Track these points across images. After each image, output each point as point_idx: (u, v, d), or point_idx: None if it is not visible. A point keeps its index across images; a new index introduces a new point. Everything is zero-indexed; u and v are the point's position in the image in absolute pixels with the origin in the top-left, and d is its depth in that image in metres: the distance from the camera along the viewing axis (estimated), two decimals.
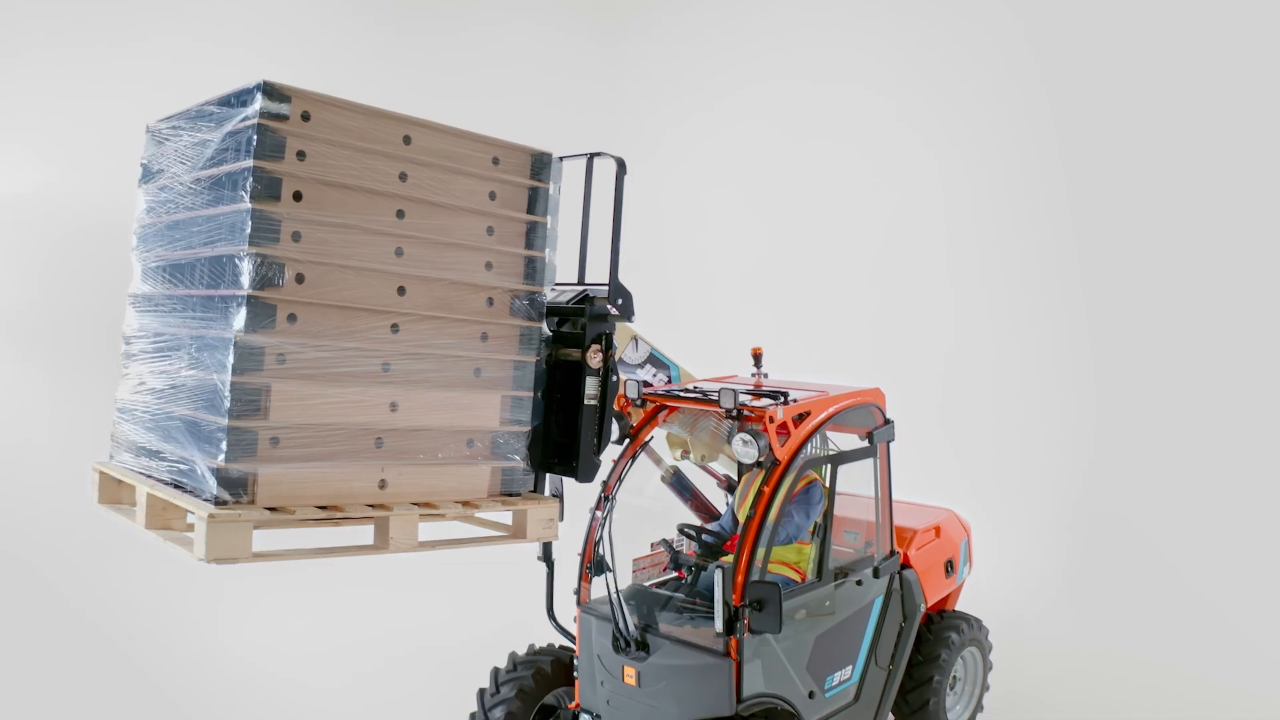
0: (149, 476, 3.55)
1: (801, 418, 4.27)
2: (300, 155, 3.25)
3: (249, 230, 3.13)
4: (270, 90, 3.16)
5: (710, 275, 11.03)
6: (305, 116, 3.25)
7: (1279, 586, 7.19)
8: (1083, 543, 8.23)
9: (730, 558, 4.18)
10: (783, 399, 4.24)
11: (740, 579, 3.89)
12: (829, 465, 4.41)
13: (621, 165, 4.09)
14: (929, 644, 5.07)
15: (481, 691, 4.50)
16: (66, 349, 9.18)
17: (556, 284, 4.18)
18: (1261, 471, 7.68)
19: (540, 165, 3.95)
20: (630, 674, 4.10)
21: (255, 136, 3.13)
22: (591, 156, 4.21)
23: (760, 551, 3.98)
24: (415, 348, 3.60)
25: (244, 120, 3.20)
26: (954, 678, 5.29)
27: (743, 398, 4.22)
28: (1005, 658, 6.08)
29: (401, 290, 3.56)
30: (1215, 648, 6.74)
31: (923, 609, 5.03)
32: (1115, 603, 7.55)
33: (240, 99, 3.25)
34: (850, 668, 4.57)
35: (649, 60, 12.00)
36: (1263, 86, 7.88)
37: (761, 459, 4.02)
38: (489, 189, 3.81)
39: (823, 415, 4.39)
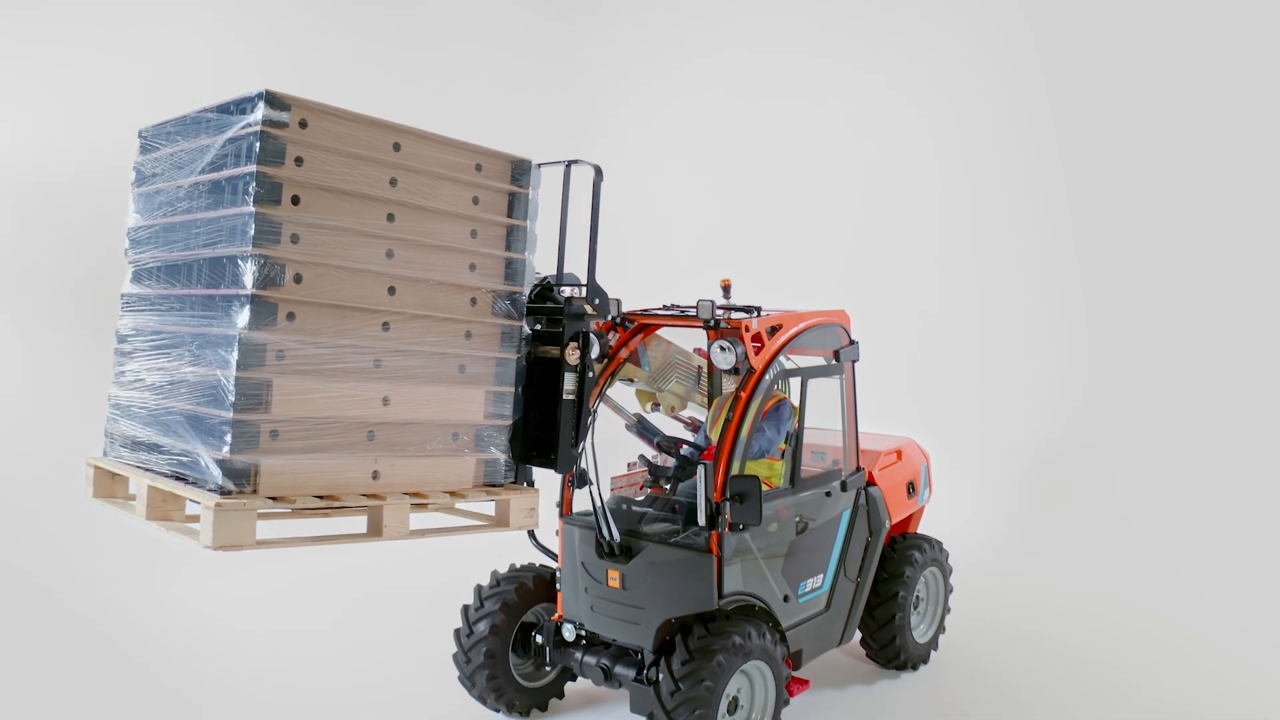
0: (147, 470, 3.66)
1: (774, 330, 4.59)
2: (299, 161, 3.41)
3: (252, 232, 3.28)
4: (272, 99, 3.32)
5: (668, 243, 11.34)
6: (303, 124, 3.41)
7: (1222, 522, 7.68)
8: (1037, 482, 8.72)
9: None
10: (756, 312, 4.57)
11: (720, 477, 4.13)
12: (800, 379, 4.71)
13: (599, 172, 4.30)
14: (893, 562, 5.41)
15: (466, 608, 4.62)
16: (47, 343, 9.05)
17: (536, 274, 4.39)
18: (1215, 407, 8.09)
19: (520, 171, 4.16)
20: (614, 577, 4.29)
21: (257, 143, 3.29)
22: (569, 164, 4.41)
23: (738, 457, 4.23)
24: (405, 345, 3.78)
25: (245, 127, 3.35)
26: (917, 597, 5.64)
27: (718, 312, 4.52)
28: (963, 585, 6.48)
29: (392, 290, 3.74)
30: (1161, 580, 7.23)
31: (887, 525, 5.36)
32: (1065, 538, 8.03)
33: (240, 106, 3.39)
34: (821, 576, 4.86)
35: (605, 34, 12.35)
36: (1245, 41, 8.13)
37: (738, 365, 4.29)
38: (472, 194, 4.00)
39: (794, 329, 4.72)
